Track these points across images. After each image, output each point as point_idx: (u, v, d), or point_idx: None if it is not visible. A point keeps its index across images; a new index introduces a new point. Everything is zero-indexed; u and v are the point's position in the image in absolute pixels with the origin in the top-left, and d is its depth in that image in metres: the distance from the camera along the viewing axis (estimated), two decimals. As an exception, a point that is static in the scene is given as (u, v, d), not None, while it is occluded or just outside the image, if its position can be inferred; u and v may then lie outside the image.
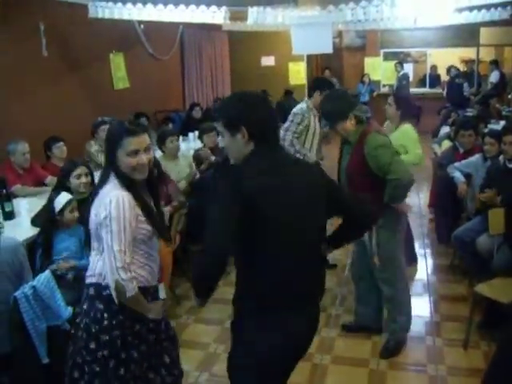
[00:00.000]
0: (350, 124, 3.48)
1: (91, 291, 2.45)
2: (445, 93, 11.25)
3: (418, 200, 7.63)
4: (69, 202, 3.61)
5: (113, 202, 2.30)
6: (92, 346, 2.43)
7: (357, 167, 3.47)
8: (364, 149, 3.41)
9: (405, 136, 4.70)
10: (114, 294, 2.32)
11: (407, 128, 4.77)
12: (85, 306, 2.47)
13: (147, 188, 2.56)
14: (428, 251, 5.69)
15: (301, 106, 5.06)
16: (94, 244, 2.48)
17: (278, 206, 2.03)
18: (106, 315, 2.40)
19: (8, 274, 3.04)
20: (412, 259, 5.25)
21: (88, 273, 2.52)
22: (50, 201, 3.68)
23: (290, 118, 5.06)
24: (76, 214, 3.65)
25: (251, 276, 2.12)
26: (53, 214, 3.61)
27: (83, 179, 3.93)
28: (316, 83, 5.19)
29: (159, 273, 2.67)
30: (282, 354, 2.17)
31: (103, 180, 2.44)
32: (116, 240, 2.27)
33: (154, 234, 2.50)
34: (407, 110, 5.00)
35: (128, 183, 2.40)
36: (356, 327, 4.08)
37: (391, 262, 3.65)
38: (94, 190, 2.52)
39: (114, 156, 2.39)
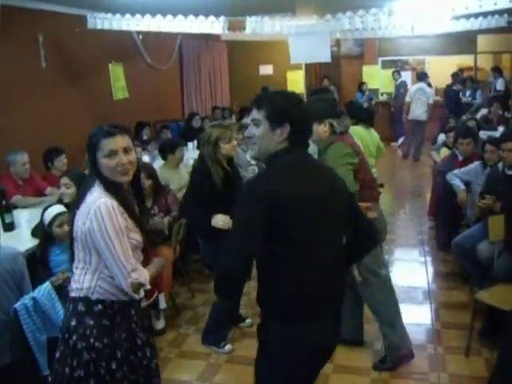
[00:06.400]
0: (322, 130, 3.28)
1: (80, 307, 2.32)
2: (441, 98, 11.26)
3: (417, 208, 7.64)
4: (55, 217, 3.53)
5: (102, 210, 2.22)
6: (80, 360, 2.30)
7: None
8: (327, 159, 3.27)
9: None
10: (132, 293, 2.32)
11: (356, 128, 4.82)
12: (73, 323, 2.32)
13: (133, 193, 2.49)
14: (428, 259, 5.69)
15: None
16: (80, 254, 2.35)
17: (306, 212, 2.01)
18: (95, 332, 2.30)
19: (9, 283, 3.03)
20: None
21: (73, 285, 2.37)
22: (43, 213, 3.67)
23: None
24: (66, 228, 3.52)
25: (276, 280, 2.06)
26: (44, 226, 3.58)
27: (64, 189, 3.94)
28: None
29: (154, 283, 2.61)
30: (310, 358, 2.15)
31: (88, 187, 2.34)
32: (119, 247, 2.23)
33: (141, 244, 2.43)
34: (358, 115, 5.09)
35: (112, 189, 2.32)
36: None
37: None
38: (77, 198, 2.41)
39: (95, 160, 2.33)
